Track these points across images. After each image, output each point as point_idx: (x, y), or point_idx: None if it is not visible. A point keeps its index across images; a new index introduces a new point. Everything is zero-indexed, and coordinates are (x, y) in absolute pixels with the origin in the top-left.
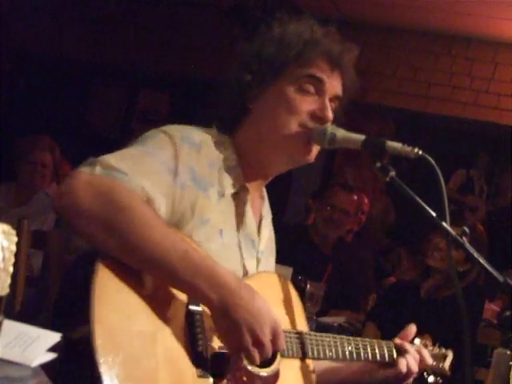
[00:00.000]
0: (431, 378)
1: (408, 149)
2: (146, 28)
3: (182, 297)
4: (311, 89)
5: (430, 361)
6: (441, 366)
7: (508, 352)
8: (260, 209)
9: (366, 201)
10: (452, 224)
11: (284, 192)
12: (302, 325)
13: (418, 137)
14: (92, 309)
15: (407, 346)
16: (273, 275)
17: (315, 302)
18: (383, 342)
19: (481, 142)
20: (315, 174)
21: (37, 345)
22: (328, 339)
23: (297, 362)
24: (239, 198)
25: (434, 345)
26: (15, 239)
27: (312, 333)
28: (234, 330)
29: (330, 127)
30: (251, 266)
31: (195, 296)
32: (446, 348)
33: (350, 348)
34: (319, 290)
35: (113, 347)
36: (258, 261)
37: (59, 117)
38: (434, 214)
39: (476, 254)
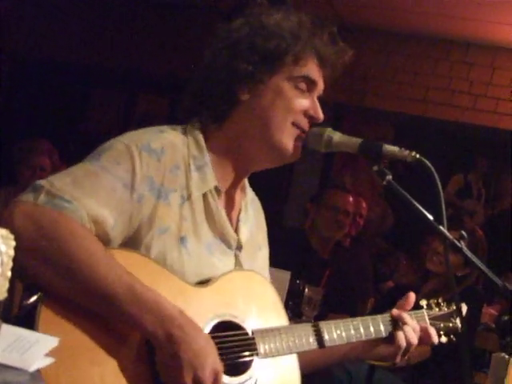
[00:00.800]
0: (444, 339)
1: (405, 152)
2: (145, 32)
3: None
4: (304, 87)
5: (430, 331)
6: (451, 324)
7: (506, 356)
8: (239, 202)
9: (363, 205)
10: (450, 228)
11: (282, 196)
12: (280, 320)
13: (417, 141)
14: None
15: (405, 316)
16: (243, 273)
17: (313, 307)
18: (379, 317)
19: (479, 146)
20: (313, 178)
21: (35, 349)
22: (314, 328)
23: (278, 360)
24: (209, 199)
25: (443, 303)
26: (13, 244)
27: (305, 323)
28: (175, 365)
29: (327, 130)
30: (226, 265)
31: (140, 329)
32: (458, 303)
33: (338, 332)
34: (317, 294)
35: None
36: (237, 258)
37: (58, 121)
38: (431, 218)
39: (474, 259)
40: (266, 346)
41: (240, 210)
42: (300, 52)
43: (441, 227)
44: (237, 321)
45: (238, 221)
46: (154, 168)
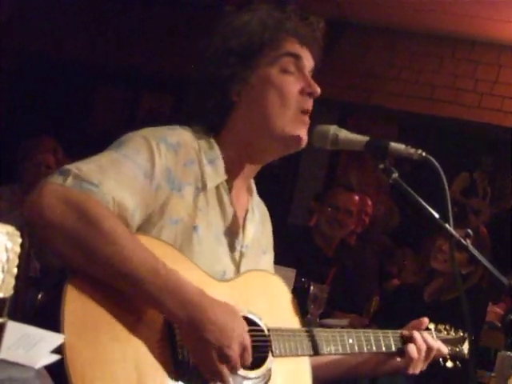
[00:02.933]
0: (450, 363)
1: (411, 150)
2: (149, 30)
3: None
4: (291, 67)
5: (434, 345)
6: (458, 349)
7: (511, 355)
8: (246, 203)
9: (369, 203)
10: (455, 226)
11: (288, 194)
12: (295, 322)
13: (422, 139)
14: (63, 344)
15: (415, 334)
16: (263, 274)
17: (319, 305)
18: (390, 332)
19: (485, 144)
20: (319, 177)
21: (41, 346)
22: (327, 333)
23: (292, 361)
24: (221, 191)
25: (450, 329)
26: (19, 240)
27: (319, 329)
28: (201, 346)
29: (333, 128)
30: (230, 258)
31: (162, 311)
32: (464, 332)
33: (350, 341)
34: (323, 292)
35: (87, 372)
36: (242, 255)
37: (62, 118)
38: (437, 216)
39: (480, 257)
40: (281, 345)
41: (247, 210)
42: (273, 37)
43: (447, 225)
44: (254, 318)
45: (244, 219)
46: (171, 160)
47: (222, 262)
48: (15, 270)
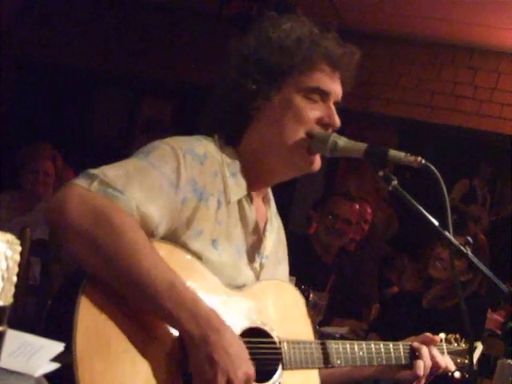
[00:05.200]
0: (457, 374)
1: (411, 158)
2: (150, 36)
3: None
4: (317, 98)
5: (452, 367)
6: (467, 361)
7: (511, 362)
8: (265, 213)
9: (369, 210)
10: (455, 234)
11: (286, 202)
12: (307, 332)
13: (421, 146)
14: (75, 347)
15: (423, 351)
16: (277, 283)
17: (318, 312)
18: (400, 344)
19: (484, 151)
20: (318, 184)
21: (40, 354)
22: (338, 346)
23: (301, 374)
24: (244, 204)
25: (460, 339)
26: (19, 249)
27: (330, 341)
28: (210, 366)
29: (333, 135)
30: (251, 270)
31: (175, 326)
32: (475, 341)
33: (361, 353)
34: (322, 299)
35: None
36: (262, 266)
37: (62, 125)
38: (436, 224)
39: (479, 264)
40: (292, 358)
41: (266, 220)
42: (305, 62)
43: (446, 233)
44: (266, 328)
45: (264, 230)
46: (197, 171)
47: (243, 275)
48: (15, 279)
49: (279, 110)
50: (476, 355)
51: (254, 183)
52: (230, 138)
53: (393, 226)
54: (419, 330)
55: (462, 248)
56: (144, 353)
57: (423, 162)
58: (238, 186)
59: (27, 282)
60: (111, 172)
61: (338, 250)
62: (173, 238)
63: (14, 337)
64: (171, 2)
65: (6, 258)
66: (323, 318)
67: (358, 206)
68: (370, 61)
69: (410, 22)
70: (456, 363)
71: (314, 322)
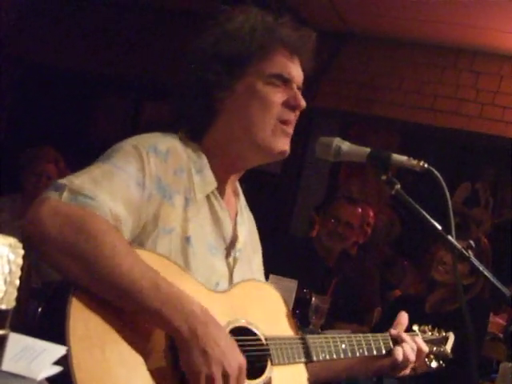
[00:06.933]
0: (434, 363)
1: (414, 162)
2: (151, 39)
3: None
4: (279, 83)
5: (425, 348)
6: (442, 349)
7: None
8: (235, 205)
9: (371, 213)
10: (457, 237)
11: (289, 205)
12: (289, 329)
13: (424, 149)
14: (70, 352)
15: (403, 335)
16: (256, 283)
17: (320, 315)
18: (379, 335)
19: (486, 154)
20: (320, 187)
21: (43, 358)
22: (320, 340)
23: (289, 368)
24: (212, 200)
25: (433, 329)
26: (22, 252)
27: (313, 336)
28: (202, 359)
29: (336, 140)
30: (225, 266)
31: (163, 325)
32: (446, 331)
33: (343, 346)
34: (324, 302)
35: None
36: (235, 260)
37: (64, 128)
38: (439, 228)
39: (482, 268)
40: (279, 354)
41: (236, 212)
42: (263, 46)
43: (449, 237)
44: (251, 327)
45: (235, 223)
46: (160, 168)
47: (217, 273)
48: (17, 282)
49: (244, 99)
50: (449, 345)
51: (221, 177)
52: (196, 133)
53: (395, 229)
54: None
55: (465, 252)
56: (138, 357)
57: (426, 166)
58: (204, 183)
59: (30, 285)
60: (78, 179)
61: (340, 253)
62: (142, 239)
63: (16, 340)
64: (174, 4)
65: (9, 262)
66: (325, 321)
67: (360, 210)
68: (372, 64)
69: (412, 26)
70: (432, 352)
71: (295, 319)
